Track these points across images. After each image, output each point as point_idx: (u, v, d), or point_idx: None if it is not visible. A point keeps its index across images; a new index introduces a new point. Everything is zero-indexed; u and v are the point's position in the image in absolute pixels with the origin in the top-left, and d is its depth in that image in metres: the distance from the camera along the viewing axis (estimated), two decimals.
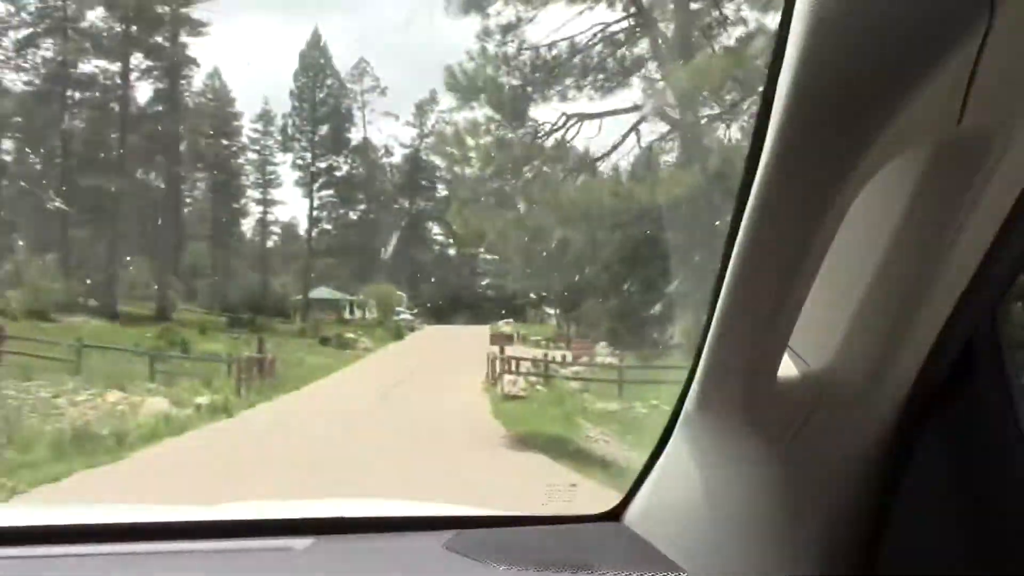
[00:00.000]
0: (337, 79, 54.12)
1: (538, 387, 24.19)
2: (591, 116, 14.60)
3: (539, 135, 13.98)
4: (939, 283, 1.13)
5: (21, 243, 42.79)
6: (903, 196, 1.08)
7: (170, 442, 13.55)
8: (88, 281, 42.28)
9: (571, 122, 14.26)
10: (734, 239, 1.18)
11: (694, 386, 1.48)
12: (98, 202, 43.01)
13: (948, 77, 0.90)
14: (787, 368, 1.30)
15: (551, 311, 70.24)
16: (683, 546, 1.62)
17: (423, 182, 74.13)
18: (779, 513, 1.40)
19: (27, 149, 46.12)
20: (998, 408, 1.20)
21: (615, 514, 1.97)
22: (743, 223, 1.13)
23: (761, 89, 1.10)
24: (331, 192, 56.81)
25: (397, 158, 70.55)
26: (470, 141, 14.17)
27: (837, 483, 1.35)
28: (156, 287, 44.95)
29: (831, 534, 1.36)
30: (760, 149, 1.08)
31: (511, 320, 66.03)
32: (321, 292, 53.46)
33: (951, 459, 1.25)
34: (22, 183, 47.50)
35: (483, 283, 79.57)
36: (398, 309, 54.00)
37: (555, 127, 14.11)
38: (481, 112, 14.24)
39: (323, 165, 55.20)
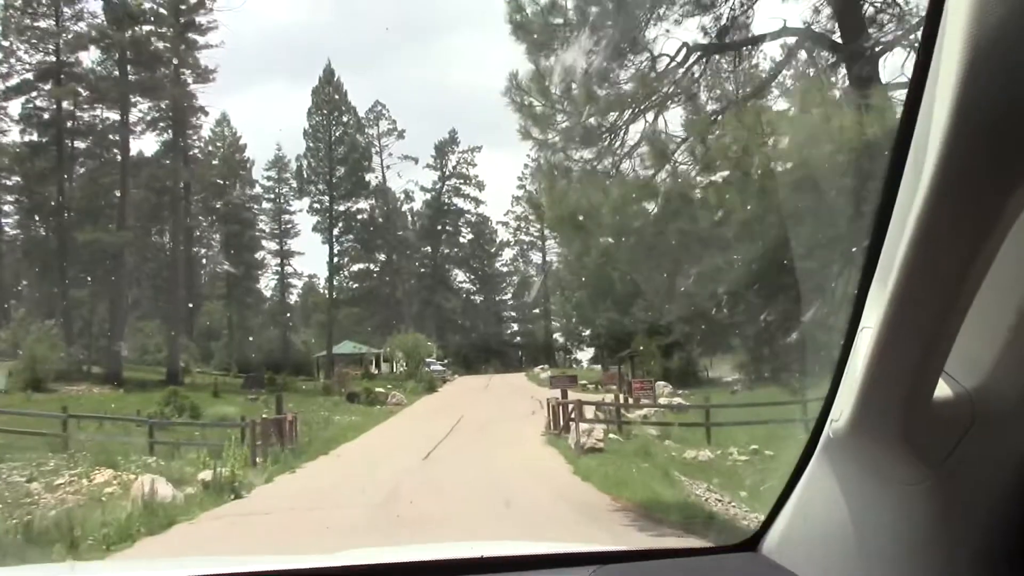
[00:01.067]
0: (353, 115, 50.54)
1: (611, 435, 20.29)
2: (723, 48, 10.73)
3: (652, 72, 10.10)
4: None
5: (18, 308, 39.40)
6: None
7: (144, 544, 9.57)
8: (90, 346, 38.97)
9: (694, 55, 10.41)
10: (876, 254, 1.21)
11: (839, 410, 1.41)
12: (102, 261, 39.76)
13: None
14: (940, 389, 1.27)
15: (585, 353, 67.56)
16: (828, 572, 1.61)
17: (447, 227, 71.24)
18: (931, 538, 1.37)
19: (25, 205, 43.07)
20: None
21: (752, 544, 1.94)
22: (905, 241, 1.08)
23: (904, 98, 1.08)
24: (351, 237, 52.82)
25: (418, 203, 68.06)
26: (556, 87, 10.31)
27: (991, 506, 1.33)
28: (167, 350, 41.51)
29: (985, 559, 1.32)
30: (904, 157, 1.09)
31: (546, 366, 63.53)
32: (345, 347, 50.32)
33: None
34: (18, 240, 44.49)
35: (512, 329, 76.61)
36: (428, 360, 50.48)
37: (674, 62, 10.28)
38: (572, 52, 10.35)
39: (342, 208, 51.00)
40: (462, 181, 68.72)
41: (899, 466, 1.36)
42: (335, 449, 20.56)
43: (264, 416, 19.48)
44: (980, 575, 1.32)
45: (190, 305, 47.94)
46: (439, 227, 68.72)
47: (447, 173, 68.08)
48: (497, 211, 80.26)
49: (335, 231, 50.46)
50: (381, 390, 35.94)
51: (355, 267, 56.07)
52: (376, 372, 47.04)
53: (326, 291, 51.69)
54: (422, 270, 68.52)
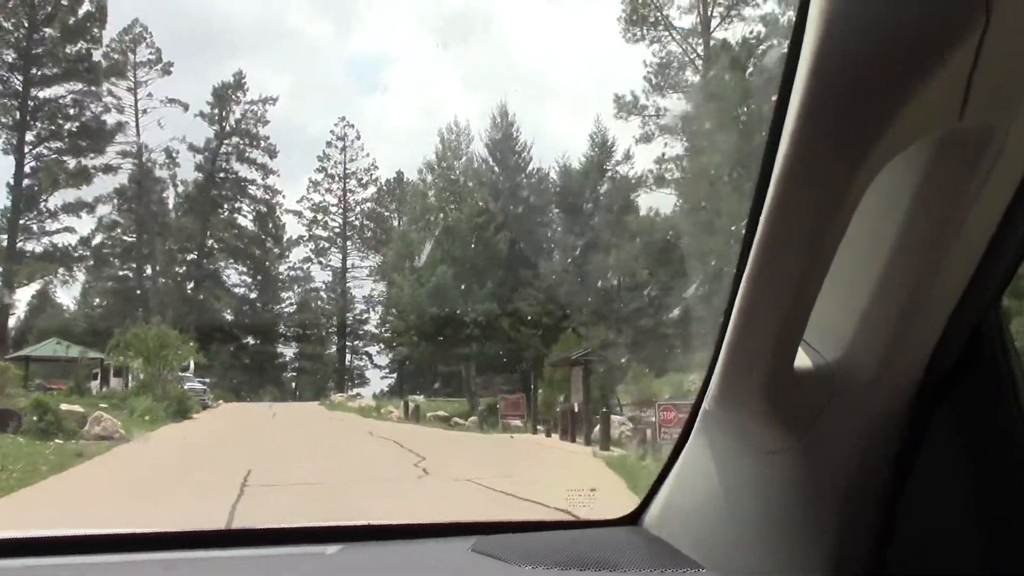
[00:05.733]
0: None
1: None
2: None
3: None
4: (944, 274, 1.19)
5: None
6: (908, 191, 1.12)
7: None
8: None
9: None
10: (752, 236, 1.23)
11: (712, 382, 1.47)
12: None
13: (949, 75, 0.96)
14: (801, 360, 1.31)
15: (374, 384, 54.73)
16: (703, 544, 1.63)
17: (223, 201, 53.40)
18: (797, 503, 1.41)
19: None
20: (1004, 394, 1.24)
21: (633, 518, 1.99)
22: (761, 219, 1.14)
23: (777, 89, 1.14)
24: (57, 146, 32.17)
25: (186, 167, 50.47)
26: None
27: (852, 471, 1.37)
28: None
29: (847, 521, 1.37)
30: (776, 147, 1.13)
31: (356, 392, 49.62)
32: (46, 347, 33.26)
33: (960, 445, 1.29)
34: None
35: (295, 349, 59.84)
36: (182, 374, 33.67)
37: None
38: None
39: (44, 94, 30.40)
40: (247, 142, 52.13)
41: (765, 435, 1.39)
42: None
43: None
44: (844, 540, 1.35)
45: None
46: (212, 199, 51.46)
47: (227, 129, 51.28)
48: (290, 195, 63.47)
49: (30, 135, 29.65)
50: (76, 408, 18.48)
51: (66, 198, 35.52)
52: (104, 388, 30.31)
53: (5, 240, 30.63)
54: (183, 255, 51.13)
